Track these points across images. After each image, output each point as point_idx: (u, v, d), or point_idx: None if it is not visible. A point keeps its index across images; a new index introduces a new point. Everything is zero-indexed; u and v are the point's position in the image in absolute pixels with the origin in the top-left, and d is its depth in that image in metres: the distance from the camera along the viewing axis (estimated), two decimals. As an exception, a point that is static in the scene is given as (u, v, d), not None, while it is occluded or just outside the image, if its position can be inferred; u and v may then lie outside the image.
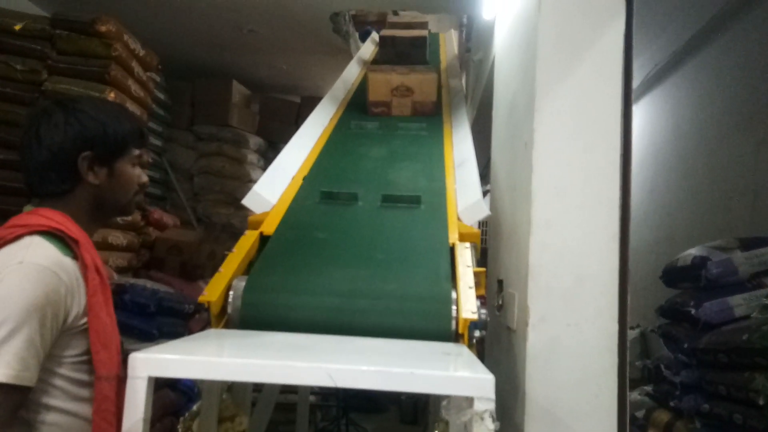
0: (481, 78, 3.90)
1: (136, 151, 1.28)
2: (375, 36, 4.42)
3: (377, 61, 3.72)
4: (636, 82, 3.87)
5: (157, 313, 2.88)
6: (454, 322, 1.31)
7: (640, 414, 2.63)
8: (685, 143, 3.48)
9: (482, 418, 0.85)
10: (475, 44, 4.47)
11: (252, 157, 5.27)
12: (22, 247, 1.06)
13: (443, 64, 4.03)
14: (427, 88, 2.75)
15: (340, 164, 2.22)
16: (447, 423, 0.96)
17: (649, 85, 3.96)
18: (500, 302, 1.87)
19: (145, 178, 1.32)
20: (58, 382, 1.10)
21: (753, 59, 2.82)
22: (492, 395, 0.87)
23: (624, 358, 1.43)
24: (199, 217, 4.98)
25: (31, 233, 1.09)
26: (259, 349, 1.18)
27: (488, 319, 1.46)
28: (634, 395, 2.78)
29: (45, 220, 1.11)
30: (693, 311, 2.26)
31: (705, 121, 3.25)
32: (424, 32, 3.57)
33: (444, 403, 0.91)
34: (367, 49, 4.34)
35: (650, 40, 3.62)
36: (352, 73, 3.62)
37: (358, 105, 2.98)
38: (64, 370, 1.10)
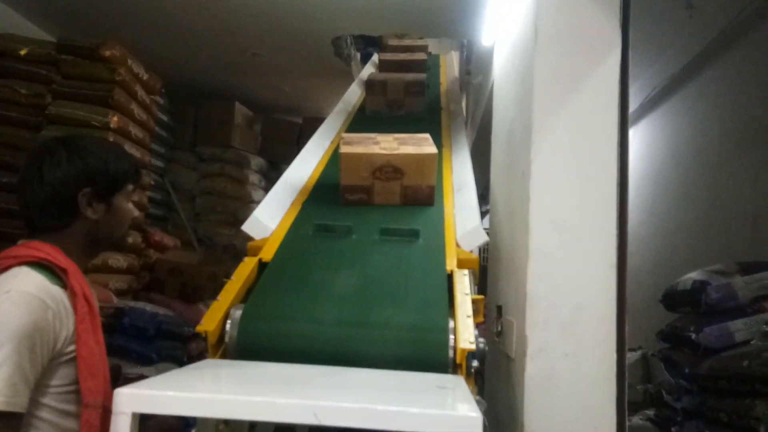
0: (480, 101, 3.94)
1: (131, 187, 1.31)
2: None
3: (363, 111, 3.10)
4: (634, 105, 3.90)
5: (156, 337, 2.88)
6: (451, 352, 1.31)
7: (641, 440, 2.61)
8: (684, 166, 3.48)
9: None
10: (475, 67, 4.51)
11: (254, 178, 5.30)
12: (11, 277, 1.10)
13: (443, 87, 4.03)
14: (424, 168, 1.94)
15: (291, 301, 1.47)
16: None
17: (647, 107, 3.98)
18: (499, 328, 1.87)
19: (136, 213, 1.38)
20: (45, 413, 1.10)
21: (751, 83, 2.84)
22: None
23: (623, 389, 1.42)
24: (200, 237, 4.99)
25: (20, 264, 1.12)
26: (249, 383, 1.17)
27: (486, 348, 1.46)
28: (635, 419, 2.76)
29: (34, 252, 1.14)
30: (693, 336, 2.25)
31: (704, 145, 3.27)
32: (422, 76, 3.10)
33: None
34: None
35: (648, 64, 3.65)
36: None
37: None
38: (50, 401, 1.11)
